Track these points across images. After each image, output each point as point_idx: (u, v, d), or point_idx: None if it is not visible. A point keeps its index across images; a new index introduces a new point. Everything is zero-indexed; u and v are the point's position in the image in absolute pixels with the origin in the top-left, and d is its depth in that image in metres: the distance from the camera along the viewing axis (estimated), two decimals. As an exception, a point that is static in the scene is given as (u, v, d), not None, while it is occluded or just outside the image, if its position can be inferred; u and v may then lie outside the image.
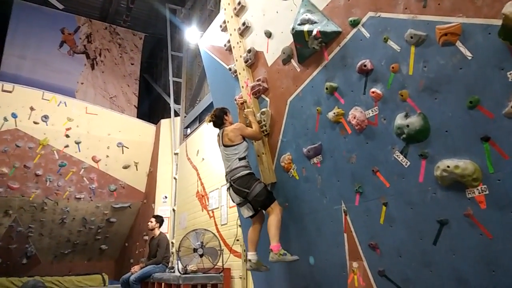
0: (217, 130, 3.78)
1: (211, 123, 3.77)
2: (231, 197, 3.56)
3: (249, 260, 3.36)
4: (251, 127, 3.64)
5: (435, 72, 2.20)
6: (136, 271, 6.21)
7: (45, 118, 8.20)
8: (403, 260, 2.45)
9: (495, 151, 1.95)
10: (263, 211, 3.48)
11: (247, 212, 3.47)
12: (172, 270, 6.18)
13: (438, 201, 2.21)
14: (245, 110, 3.77)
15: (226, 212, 6.18)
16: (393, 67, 2.41)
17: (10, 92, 7.94)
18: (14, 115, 7.87)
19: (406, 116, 2.35)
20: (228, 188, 3.55)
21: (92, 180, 8.73)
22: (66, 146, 8.41)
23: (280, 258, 3.12)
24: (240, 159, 3.47)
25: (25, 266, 8.77)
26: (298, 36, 3.00)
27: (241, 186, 3.38)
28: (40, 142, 8.12)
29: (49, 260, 9.25)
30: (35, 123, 8.10)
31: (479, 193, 2.02)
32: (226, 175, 3.58)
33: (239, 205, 3.53)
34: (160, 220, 6.74)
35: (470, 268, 2.08)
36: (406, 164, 2.38)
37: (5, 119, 7.78)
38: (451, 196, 2.14)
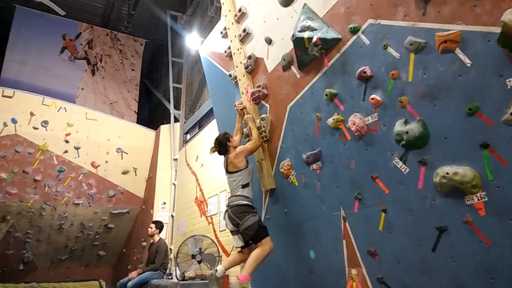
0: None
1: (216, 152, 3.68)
2: (225, 222, 3.49)
3: (215, 270, 3.24)
4: (251, 133, 3.65)
5: (434, 79, 2.21)
6: (133, 277, 6.15)
7: (44, 123, 8.20)
8: (402, 267, 2.43)
9: (494, 158, 1.96)
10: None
11: (237, 242, 3.40)
12: (170, 277, 6.13)
13: (437, 208, 2.21)
14: (245, 116, 3.77)
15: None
16: (392, 74, 2.43)
17: (10, 97, 7.95)
18: (14, 121, 7.88)
19: (406, 122, 2.36)
20: (225, 212, 3.49)
21: (91, 185, 8.70)
22: (65, 152, 8.40)
23: None
24: (243, 186, 3.43)
25: (22, 272, 8.70)
26: (298, 42, 3.02)
27: (234, 214, 3.33)
28: (40, 147, 8.11)
29: (46, 266, 9.18)
30: (35, 128, 8.10)
31: (478, 200, 2.02)
32: (228, 199, 3.55)
33: (231, 232, 3.46)
34: (160, 226, 6.70)
35: (470, 275, 2.07)
36: (405, 171, 2.38)
37: (5, 124, 7.78)
38: (450, 203, 2.14)
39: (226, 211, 3.45)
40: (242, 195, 3.41)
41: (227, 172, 3.58)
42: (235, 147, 3.60)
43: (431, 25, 2.22)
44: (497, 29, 1.89)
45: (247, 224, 3.25)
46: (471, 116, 2.04)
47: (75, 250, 9.26)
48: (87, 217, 8.86)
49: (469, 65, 2.05)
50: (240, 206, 3.35)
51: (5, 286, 7.26)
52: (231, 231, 3.45)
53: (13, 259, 8.60)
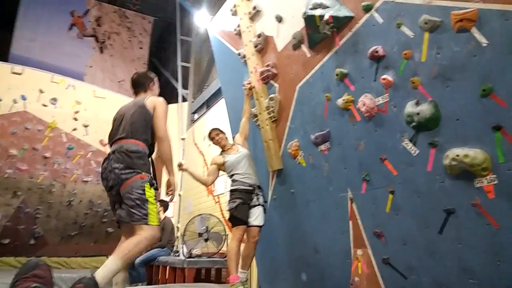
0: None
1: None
2: None
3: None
4: (259, 112, 3.64)
5: (448, 59, 2.16)
6: (141, 254, 6.28)
7: (53, 101, 8.24)
8: (408, 249, 2.44)
9: (506, 140, 1.92)
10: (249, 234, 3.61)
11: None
12: (177, 254, 6.25)
13: (446, 190, 2.19)
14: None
15: (232, 198, 6.19)
16: (405, 54, 2.37)
17: (19, 74, 7.98)
18: (23, 98, 7.92)
19: (417, 103, 2.32)
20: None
21: (100, 163, 8.77)
22: (74, 129, 8.46)
23: None
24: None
25: (32, 246, 8.87)
26: (309, 20, 2.96)
27: None
28: (49, 124, 8.17)
29: (56, 241, 9.36)
30: (44, 105, 8.14)
31: (488, 182, 1.99)
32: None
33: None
34: (164, 204, 6.78)
35: (476, 258, 2.07)
36: (414, 153, 2.36)
37: (15, 101, 7.83)
38: (459, 185, 2.12)
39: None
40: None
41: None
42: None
43: (447, 3, 2.15)
44: (516, 8, 1.83)
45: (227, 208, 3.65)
46: (484, 98, 2.00)
47: (84, 226, 9.41)
48: (96, 195, 8.97)
49: (485, 45, 1.99)
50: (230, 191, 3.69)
51: (16, 260, 7.47)
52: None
53: (24, 234, 8.76)
